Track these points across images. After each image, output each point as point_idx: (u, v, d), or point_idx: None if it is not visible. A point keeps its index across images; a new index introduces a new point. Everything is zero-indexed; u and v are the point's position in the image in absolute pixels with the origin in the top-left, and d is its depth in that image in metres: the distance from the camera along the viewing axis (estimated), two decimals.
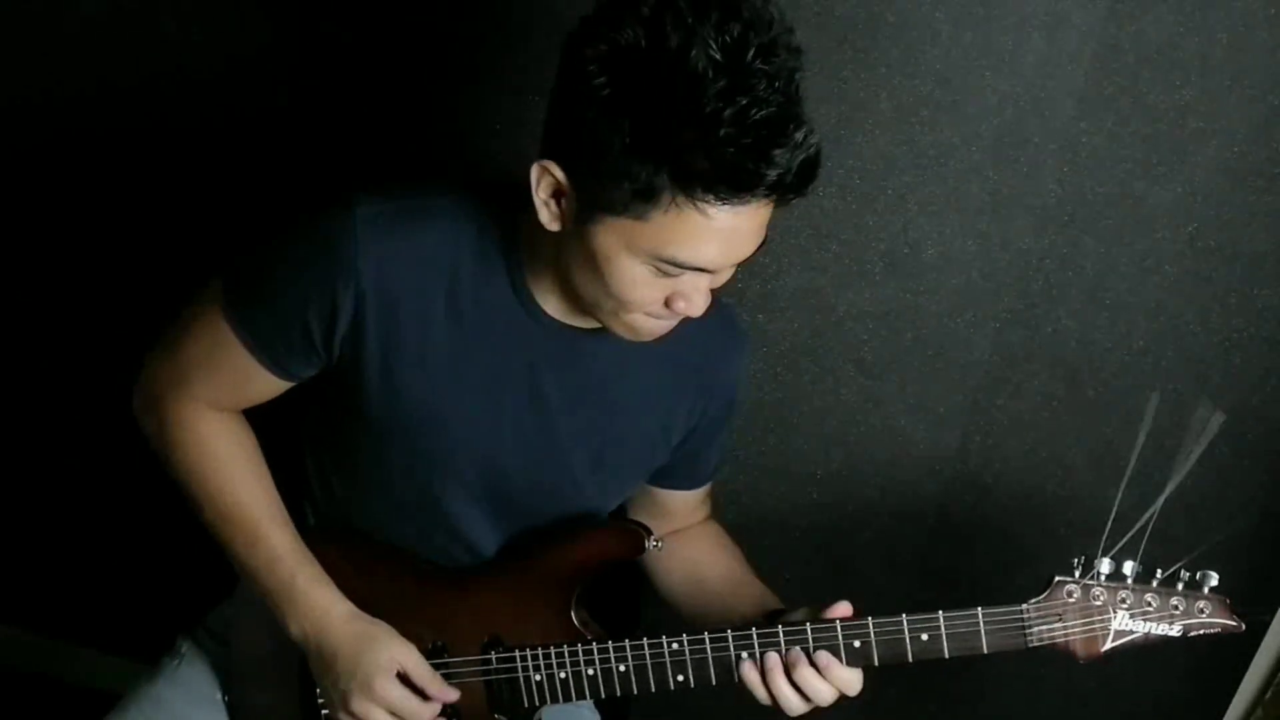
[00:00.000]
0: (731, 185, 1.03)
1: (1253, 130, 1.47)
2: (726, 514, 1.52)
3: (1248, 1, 1.41)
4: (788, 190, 1.05)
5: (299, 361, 1.25)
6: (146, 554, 1.98)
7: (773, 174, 1.02)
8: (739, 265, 1.14)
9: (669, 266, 1.09)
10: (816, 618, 1.22)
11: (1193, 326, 1.59)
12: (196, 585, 1.45)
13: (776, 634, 1.22)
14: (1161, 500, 1.14)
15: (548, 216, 1.12)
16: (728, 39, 0.99)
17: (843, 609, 1.22)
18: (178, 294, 1.31)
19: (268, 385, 1.28)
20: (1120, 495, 1.14)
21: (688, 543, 1.46)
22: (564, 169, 1.08)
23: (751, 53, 1.00)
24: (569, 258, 1.14)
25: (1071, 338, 1.63)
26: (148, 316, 1.36)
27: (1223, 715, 1.82)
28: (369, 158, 1.68)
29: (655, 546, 1.32)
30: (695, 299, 1.13)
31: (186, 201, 1.76)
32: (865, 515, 1.79)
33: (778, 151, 1.01)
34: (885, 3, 1.47)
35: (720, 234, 1.06)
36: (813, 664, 1.20)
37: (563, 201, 1.11)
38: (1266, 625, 1.67)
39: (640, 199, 1.04)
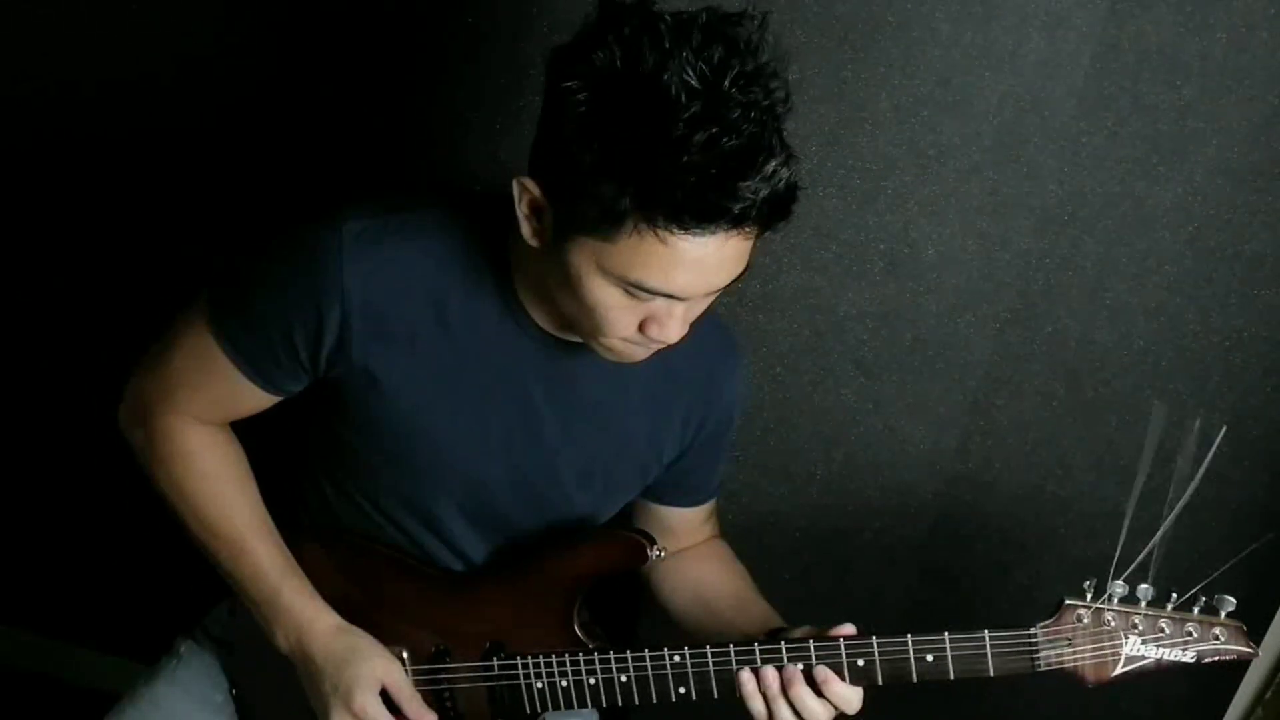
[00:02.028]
0: (694, 215, 1.00)
1: (1253, 130, 1.47)
2: (726, 514, 1.52)
3: (1248, 1, 1.41)
4: (755, 223, 1.03)
5: (286, 377, 1.25)
6: (146, 555, 1.97)
7: (737, 206, 1.00)
8: (721, 292, 1.11)
9: (638, 291, 1.06)
10: (820, 635, 1.21)
11: (1193, 326, 1.59)
12: (195, 586, 1.45)
13: (779, 649, 1.21)
14: (1168, 524, 1.12)
15: (528, 231, 1.11)
16: (705, 65, 0.97)
17: (847, 629, 1.21)
18: (174, 294, 1.31)
19: (255, 399, 1.27)
20: (1130, 511, 1.13)
21: (693, 562, 1.44)
22: (540, 185, 1.08)
23: (729, 79, 0.98)
24: (549, 275, 1.13)
25: (1071, 338, 1.62)
26: (146, 316, 1.36)
27: (1223, 715, 1.82)
28: (365, 159, 1.68)
29: (658, 555, 1.32)
30: (669, 326, 1.10)
31: (180, 206, 1.75)
32: (865, 515, 1.79)
33: (744, 184, 0.99)
34: (885, 3, 1.47)
35: (688, 263, 1.04)
36: (811, 683, 1.19)
37: (543, 217, 1.10)
38: (1265, 626, 1.67)
39: (606, 221, 1.02)
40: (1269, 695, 1.74)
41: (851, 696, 1.20)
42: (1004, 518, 1.76)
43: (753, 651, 1.22)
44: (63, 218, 1.81)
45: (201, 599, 1.50)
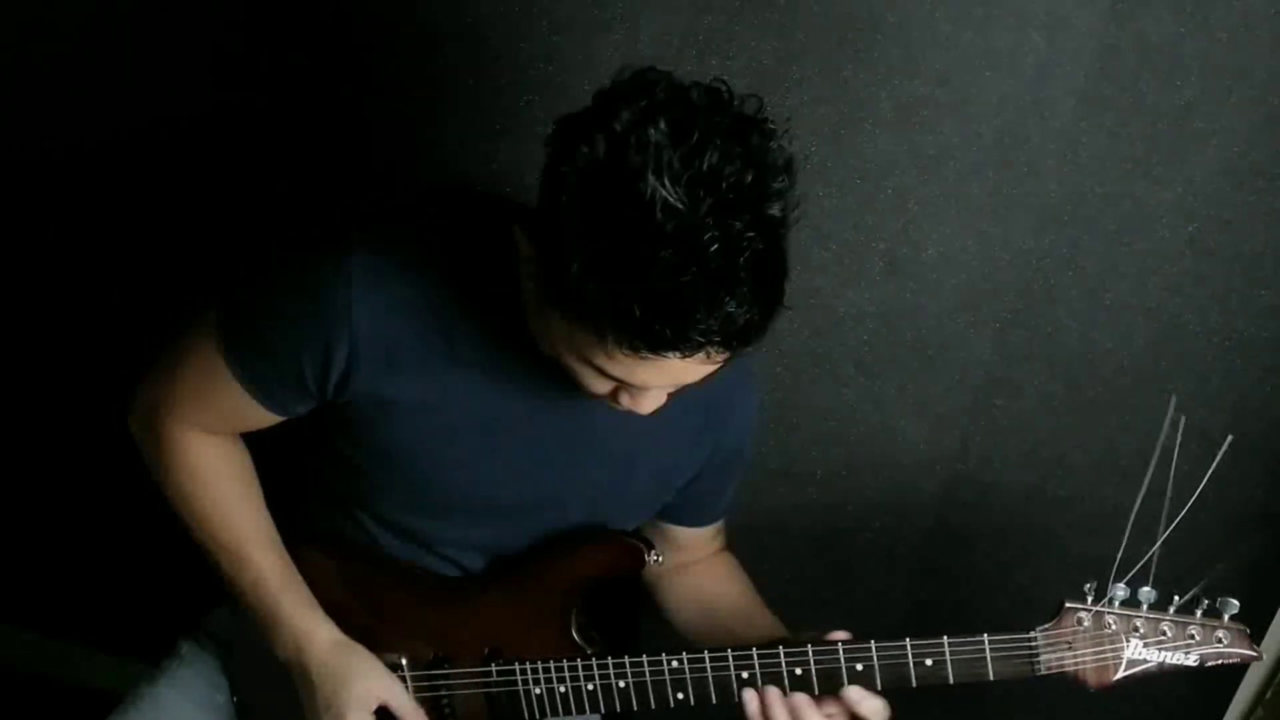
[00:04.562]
0: (646, 344, 0.97)
1: (1253, 130, 1.47)
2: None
3: (1248, 1, 1.41)
4: (716, 350, 0.99)
5: (293, 399, 1.24)
6: (147, 555, 1.97)
7: (684, 345, 0.97)
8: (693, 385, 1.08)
9: (603, 373, 1.06)
10: (818, 640, 1.21)
11: (1193, 326, 1.59)
12: (197, 586, 1.45)
13: (777, 654, 1.21)
14: (1169, 530, 1.12)
15: (526, 275, 1.11)
16: (690, 176, 0.93)
17: (842, 635, 1.21)
18: (180, 296, 1.31)
19: (262, 418, 1.27)
20: (1135, 510, 1.12)
21: (698, 575, 1.44)
22: (533, 245, 1.05)
23: (712, 201, 0.93)
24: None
25: (1071, 338, 1.62)
26: (149, 317, 1.36)
27: (1223, 715, 1.82)
28: (365, 159, 1.68)
29: (655, 561, 1.32)
30: (640, 401, 1.09)
31: (184, 207, 1.75)
32: (865, 515, 1.79)
33: (696, 322, 0.95)
34: (885, 3, 1.47)
35: (647, 366, 1.01)
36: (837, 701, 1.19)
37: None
38: (1266, 626, 1.67)
39: (574, 315, 1.01)
40: (1269, 696, 1.74)
41: (879, 705, 1.20)
42: (1004, 518, 1.76)
43: (751, 657, 1.21)
44: (68, 219, 1.81)
45: (203, 599, 1.50)
